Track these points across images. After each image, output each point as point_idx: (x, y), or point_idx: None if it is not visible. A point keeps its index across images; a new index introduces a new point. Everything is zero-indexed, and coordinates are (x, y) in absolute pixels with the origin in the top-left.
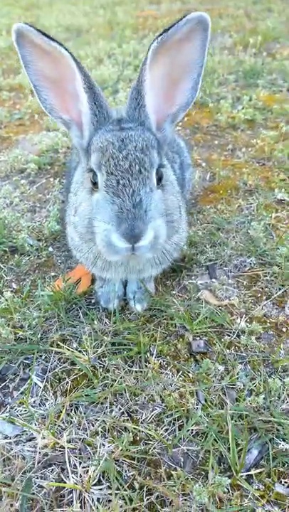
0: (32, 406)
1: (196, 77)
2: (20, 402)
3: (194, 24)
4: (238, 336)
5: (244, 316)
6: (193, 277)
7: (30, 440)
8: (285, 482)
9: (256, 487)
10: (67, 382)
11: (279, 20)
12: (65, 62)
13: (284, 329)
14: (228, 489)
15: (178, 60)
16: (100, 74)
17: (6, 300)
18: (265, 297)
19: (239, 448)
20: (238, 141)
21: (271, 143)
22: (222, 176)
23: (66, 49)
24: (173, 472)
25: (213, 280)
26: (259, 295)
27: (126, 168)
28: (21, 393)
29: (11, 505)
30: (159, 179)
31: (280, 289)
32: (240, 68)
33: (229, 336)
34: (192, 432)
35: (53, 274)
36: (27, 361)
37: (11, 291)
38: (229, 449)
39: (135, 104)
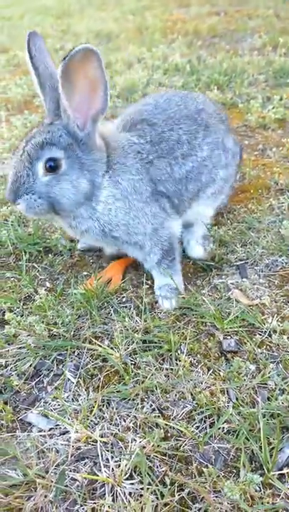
0: (65, 401)
1: (103, 87)
2: (54, 397)
3: (84, 52)
4: (270, 335)
5: (275, 315)
6: (223, 277)
7: (63, 434)
8: None
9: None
10: (99, 379)
11: None
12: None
13: None
14: (259, 487)
15: (86, 76)
16: (130, 78)
17: (41, 298)
18: None
19: (271, 447)
20: (268, 141)
21: None
22: (252, 176)
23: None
24: (204, 469)
25: (244, 279)
26: None
27: (19, 156)
28: (55, 388)
29: (45, 497)
30: (54, 168)
31: None
32: (270, 68)
33: (260, 335)
34: (223, 430)
35: (85, 273)
36: (60, 357)
37: (45, 289)
38: (261, 447)
39: (62, 109)
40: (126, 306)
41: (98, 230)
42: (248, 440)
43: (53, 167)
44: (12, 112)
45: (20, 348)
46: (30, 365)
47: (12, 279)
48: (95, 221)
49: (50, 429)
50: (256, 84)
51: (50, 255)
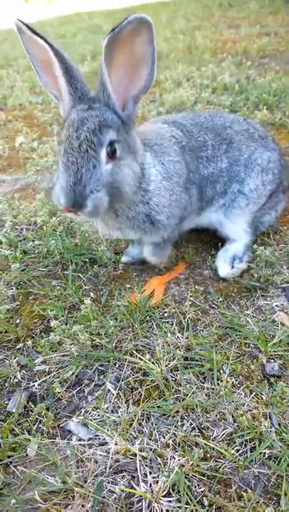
0: (105, 412)
1: (150, 64)
2: (94, 407)
3: (137, 24)
4: None
5: None
6: (268, 298)
7: (102, 445)
8: None
9: None
10: (140, 392)
11: None
12: (46, 51)
13: None
14: None
15: (132, 52)
16: (179, 96)
17: (86, 307)
18: None
19: None
20: None
21: None
22: None
23: (45, 40)
24: (243, 493)
25: None
26: None
27: (76, 147)
28: (95, 398)
29: (82, 506)
30: (113, 152)
31: None
32: None
33: None
34: (264, 455)
35: (128, 285)
36: (102, 368)
37: (90, 299)
38: None
39: (101, 88)
40: (168, 322)
41: (143, 215)
42: None
43: (113, 152)
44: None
45: (63, 355)
46: (73, 374)
47: (58, 287)
48: (145, 204)
49: (90, 439)
50: None
51: (95, 266)
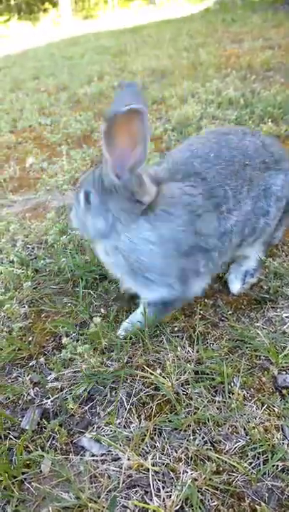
0: (117, 427)
1: (144, 144)
2: (106, 422)
3: (129, 113)
4: None
5: None
6: (278, 310)
7: (115, 460)
8: None
9: None
10: (151, 407)
11: None
12: None
13: None
14: None
15: (128, 132)
16: (184, 112)
17: (96, 325)
18: None
19: None
20: None
21: None
22: None
23: None
24: (257, 506)
25: None
26: None
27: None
28: (108, 414)
29: None
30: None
31: None
32: None
33: None
34: (277, 468)
35: (137, 300)
36: (113, 384)
37: (100, 315)
38: None
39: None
40: (178, 336)
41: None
42: None
43: (87, 199)
44: (72, 145)
45: (75, 372)
46: (85, 390)
47: (69, 304)
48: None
49: (103, 455)
50: None
51: (105, 282)
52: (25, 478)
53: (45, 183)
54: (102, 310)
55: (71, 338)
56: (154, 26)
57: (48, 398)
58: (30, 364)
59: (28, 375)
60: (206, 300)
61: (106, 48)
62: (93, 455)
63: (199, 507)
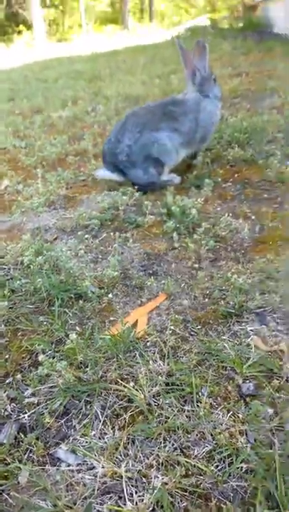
0: (92, 438)
1: None
2: (82, 434)
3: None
4: (287, 380)
5: None
6: (243, 323)
7: (90, 469)
8: None
9: None
10: (125, 418)
11: None
12: None
13: None
14: None
15: None
16: None
17: (72, 342)
18: None
19: (287, 486)
20: (286, 195)
21: None
22: (271, 228)
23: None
24: (223, 506)
25: (263, 326)
26: None
27: None
28: (83, 426)
29: None
30: None
31: None
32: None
33: (278, 380)
34: (241, 469)
35: (112, 318)
36: (88, 398)
37: (76, 333)
38: (277, 486)
39: None
40: (150, 350)
41: None
42: (265, 479)
43: None
44: (47, 168)
45: (51, 387)
46: (61, 404)
47: (45, 323)
48: None
49: (78, 465)
50: (275, 142)
51: (80, 301)
52: (3, 490)
53: (21, 205)
54: (78, 328)
55: (47, 356)
56: (128, 52)
57: (25, 413)
58: (7, 381)
59: (5, 392)
60: (176, 316)
61: (80, 72)
62: (69, 465)
63: (170, 508)
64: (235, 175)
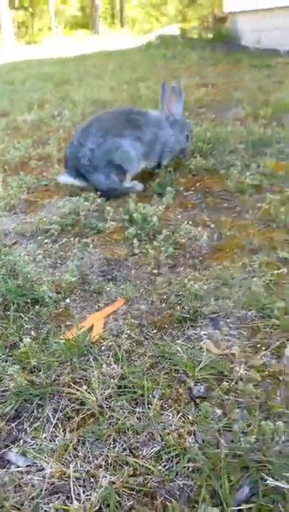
0: (43, 441)
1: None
2: (32, 437)
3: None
4: (237, 382)
5: (243, 364)
6: (197, 328)
7: (39, 470)
8: None
9: None
10: (76, 421)
11: None
12: None
13: (280, 378)
14: None
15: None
16: None
17: (25, 346)
18: (264, 348)
19: (231, 484)
20: (245, 204)
21: (276, 206)
22: (229, 236)
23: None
24: (168, 504)
25: (216, 331)
26: (259, 345)
27: None
28: (34, 429)
29: None
30: None
31: (278, 341)
32: (250, 138)
33: (228, 382)
34: (188, 469)
35: (68, 323)
36: (41, 402)
37: (30, 337)
38: (221, 485)
39: None
40: (104, 354)
41: None
42: (210, 478)
43: None
44: (9, 172)
45: (3, 391)
46: (12, 408)
47: (0, 327)
48: None
49: (28, 466)
50: (236, 153)
51: (37, 306)
52: None
53: None
54: (33, 332)
55: (0, 359)
56: (97, 56)
57: None
58: None
59: None
60: (132, 320)
61: (49, 75)
62: (18, 467)
63: (116, 507)
64: (197, 184)
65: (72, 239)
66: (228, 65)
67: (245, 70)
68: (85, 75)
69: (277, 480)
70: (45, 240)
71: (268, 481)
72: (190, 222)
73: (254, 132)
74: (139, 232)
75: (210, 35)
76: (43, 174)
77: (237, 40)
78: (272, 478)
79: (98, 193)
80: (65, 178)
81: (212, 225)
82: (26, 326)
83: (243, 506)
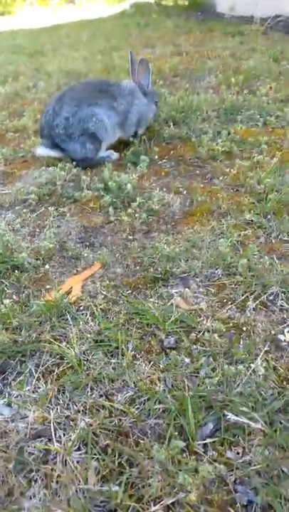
0: (26, 392)
1: None
2: (17, 389)
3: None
4: (204, 333)
5: (210, 317)
6: (168, 287)
7: (23, 418)
8: (235, 449)
9: (210, 454)
10: (56, 373)
11: (262, 59)
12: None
13: (244, 328)
14: (186, 455)
15: None
16: None
17: (6, 307)
18: (230, 302)
19: (197, 422)
20: (216, 171)
21: (245, 171)
22: (200, 202)
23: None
24: (140, 441)
25: (186, 289)
26: (225, 301)
27: None
28: (18, 383)
29: (6, 467)
30: None
31: (242, 295)
32: (222, 105)
33: (196, 334)
34: (159, 410)
35: (48, 286)
36: (23, 358)
37: (11, 301)
38: (188, 422)
39: None
40: (82, 313)
41: None
42: (178, 417)
43: None
44: None
45: None
46: None
47: None
48: None
49: (12, 415)
50: (209, 120)
51: (17, 271)
52: None
53: None
54: (14, 296)
55: None
56: (72, 26)
57: None
58: None
59: None
60: (108, 282)
61: (22, 47)
62: (4, 416)
63: (93, 445)
64: (171, 152)
65: (49, 208)
66: (202, 33)
67: (218, 38)
68: (59, 45)
69: (237, 416)
70: (24, 210)
71: (229, 417)
72: (163, 190)
73: (226, 100)
74: (114, 200)
75: (186, 3)
76: (20, 146)
77: (212, 7)
78: (234, 414)
79: (74, 162)
80: (42, 151)
81: (184, 192)
82: (8, 291)
83: (208, 440)
